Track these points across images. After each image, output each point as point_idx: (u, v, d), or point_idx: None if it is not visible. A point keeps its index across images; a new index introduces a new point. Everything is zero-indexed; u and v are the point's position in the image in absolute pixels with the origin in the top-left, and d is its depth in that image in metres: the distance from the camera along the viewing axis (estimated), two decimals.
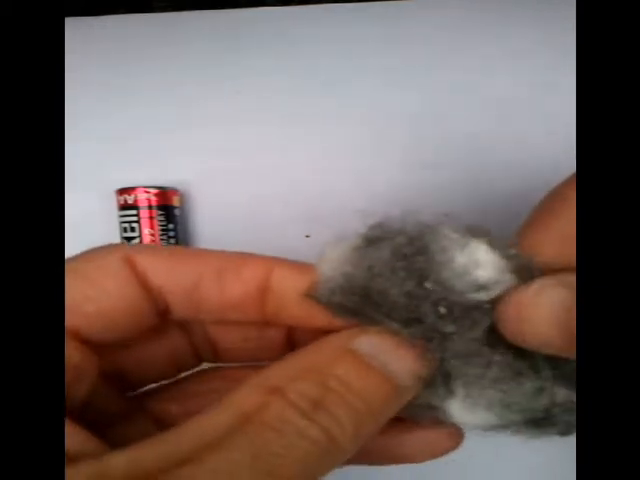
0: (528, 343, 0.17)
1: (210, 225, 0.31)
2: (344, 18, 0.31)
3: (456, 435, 0.21)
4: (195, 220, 0.31)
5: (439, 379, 0.18)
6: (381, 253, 0.18)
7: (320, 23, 0.31)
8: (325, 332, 0.19)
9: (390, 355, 0.17)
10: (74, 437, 0.15)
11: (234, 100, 0.31)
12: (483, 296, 0.17)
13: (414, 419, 0.19)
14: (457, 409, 0.18)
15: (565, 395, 0.18)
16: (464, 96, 0.30)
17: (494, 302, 0.17)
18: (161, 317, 0.19)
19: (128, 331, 0.19)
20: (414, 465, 0.27)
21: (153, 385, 0.22)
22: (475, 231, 0.18)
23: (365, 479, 0.30)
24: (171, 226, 0.29)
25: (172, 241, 0.29)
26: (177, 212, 0.30)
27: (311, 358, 0.17)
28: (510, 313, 0.17)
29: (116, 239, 0.29)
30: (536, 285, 0.17)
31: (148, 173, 0.31)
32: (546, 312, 0.16)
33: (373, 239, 0.18)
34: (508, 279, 0.17)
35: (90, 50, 0.31)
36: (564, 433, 0.19)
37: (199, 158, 0.31)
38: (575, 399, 0.17)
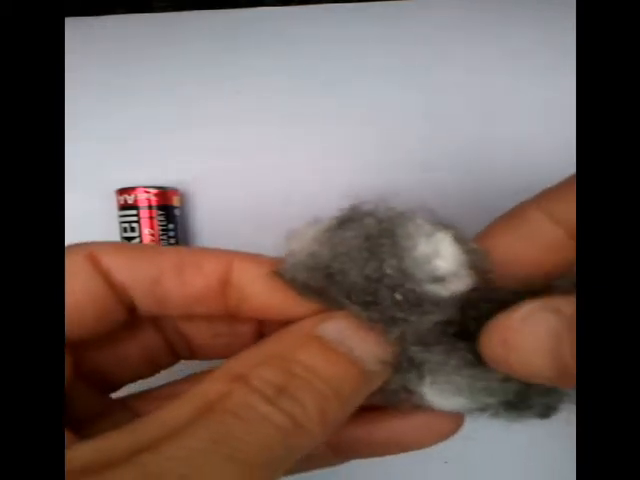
0: (515, 373, 0.16)
1: (210, 225, 0.31)
2: (344, 18, 0.31)
3: (456, 416, 0.21)
4: (195, 220, 0.31)
5: (406, 364, 0.18)
6: (347, 233, 0.18)
7: (320, 23, 0.31)
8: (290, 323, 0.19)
9: (356, 340, 0.17)
10: None
11: (234, 100, 0.31)
12: (439, 289, 0.18)
13: (393, 405, 0.19)
14: (429, 394, 0.19)
15: None
16: (464, 96, 0.30)
17: (450, 298, 0.18)
18: (128, 313, 0.19)
19: (96, 327, 0.19)
20: (414, 466, 0.27)
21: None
22: (442, 224, 0.18)
23: (367, 478, 0.30)
24: (171, 226, 0.29)
25: (172, 241, 0.29)
26: (177, 212, 0.30)
27: (275, 346, 0.17)
28: (495, 341, 0.16)
29: (116, 239, 0.30)
30: (522, 311, 0.16)
31: (148, 173, 0.31)
32: (534, 340, 0.15)
33: (343, 220, 0.19)
34: (465, 274, 0.18)
35: (90, 50, 0.31)
36: (543, 415, 0.20)
37: (199, 158, 0.31)
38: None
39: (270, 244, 0.30)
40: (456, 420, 0.21)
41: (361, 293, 0.18)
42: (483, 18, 0.31)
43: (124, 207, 0.29)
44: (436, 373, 0.18)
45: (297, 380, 0.16)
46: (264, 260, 0.19)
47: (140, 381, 0.22)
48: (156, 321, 0.21)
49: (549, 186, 0.20)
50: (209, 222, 0.31)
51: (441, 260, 0.18)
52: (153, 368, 0.22)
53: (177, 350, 0.22)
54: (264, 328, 0.21)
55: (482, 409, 0.19)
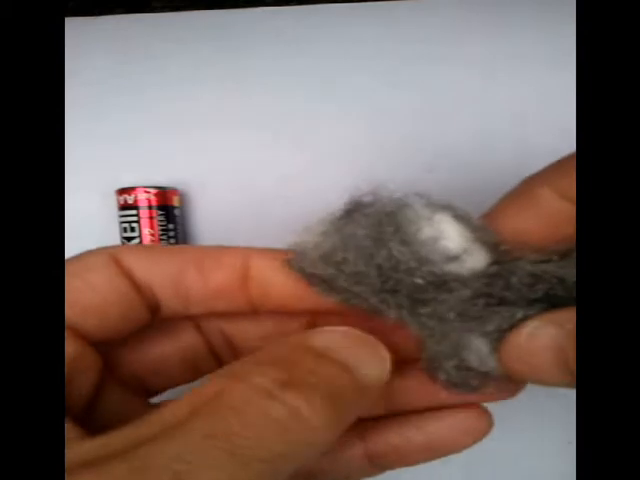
0: (530, 380, 0.18)
1: (210, 225, 0.31)
2: (344, 18, 0.31)
3: (485, 415, 0.21)
4: (195, 220, 0.31)
5: (458, 342, 0.19)
6: (351, 225, 0.19)
7: (320, 23, 0.31)
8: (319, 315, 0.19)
9: (351, 351, 0.17)
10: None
11: (234, 100, 0.31)
12: (457, 267, 0.18)
13: (459, 388, 0.20)
14: (490, 361, 0.19)
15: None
16: (464, 96, 0.30)
17: (472, 274, 0.18)
18: (152, 312, 0.20)
19: (121, 327, 0.19)
20: (414, 466, 0.27)
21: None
22: (440, 205, 0.19)
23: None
24: (171, 226, 0.29)
25: (172, 241, 0.29)
26: (177, 212, 0.30)
27: (274, 352, 0.17)
28: (511, 359, 0.18)
29: (116, 239, 0.30)
30: (528, 329, 0.18)
31: (148, 173, 0.31)
32: (542, 355, 0.17)
33: (347, 212, 0.19)
34: (476, 249, 0.19)
35: (90, 50, 0.31)
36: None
37: (199, 158, 0.31)
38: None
39: (270, 244, 0.30)
40: (485, 418, 0.21)
41: (375, 281, 0.18)
42: (483, 18, 0.31)
43: (124, 207, 0.29)
44: (487, 341, 0.19)
45: (301, 374, 0.16)
46: (281, 253, 0.20)
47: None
48: (198, 323, 0.21)
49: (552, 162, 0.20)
50: (209, 222, 0.31)
51: (447, 240, 0.18)
52: (194, 373, 0.22)
53: (220, 354, 0.22)
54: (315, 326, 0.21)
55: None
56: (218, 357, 0.22)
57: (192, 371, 0.22)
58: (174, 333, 0.21)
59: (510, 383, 0.20)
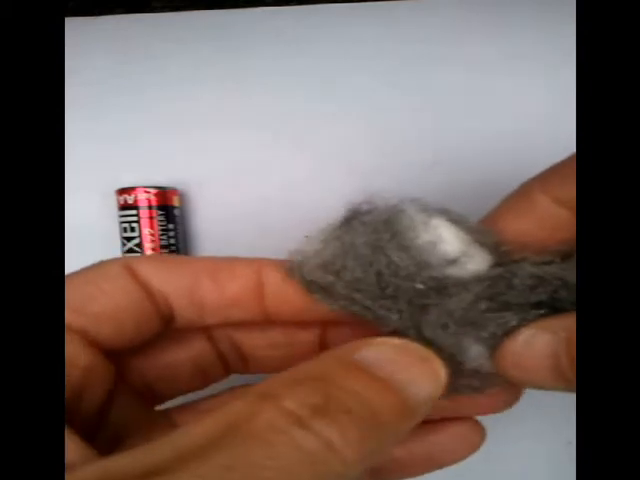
0: (526, 385, 0.19)
1: (210, 225, 0.31)
2: (344, 18, 0.31)
3: (479, 426, 0.21)
4: (195, 220, 0.31)
5: (462, 346, 0.19)
6: (351, 233, 0.19)
7: (320, 23, 0.31)
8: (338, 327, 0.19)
9: (399, 367, 0.16)
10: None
11: (234, 100, 0.31)
12: (458, 270, 0.18)
13: (465, 392, 0.20)
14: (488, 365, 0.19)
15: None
16: (464, 96, 0.30)
17: (473, 277, 0.18)
18: (166, 322, 0.20)
19: (135, 336, 0.19)
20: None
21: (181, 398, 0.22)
22: (436, 210, 0.19)
23: None
24: (171, 226, 0.29)
25: (172, 241, 0.29)
26: (177, 212, 0.30)
27: (312, 368, 0.16)
28: (506, 362, 0.18)
29: (116, 239, 0.30)
30: (523, 335, 0.18)
31: (148, 173, 0.31)
32: (538, 361, 0.17)
33: (346, 221, 0.19)
34: (475, 251, 0.19)
35: (90, 50, 0.31)
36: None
37: (199, 158, 0.31)
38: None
39: (270, 244, 0.30)
40: (478, 431, 0.22)
41: (376, 289, 0.18)
42: (483, 18, 0.31)
43: (124, 207, 0.29)
44: (484, 346, 0.19)
45: (335, 402, 0.15)
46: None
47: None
48: (207, 331, 0.21)
49: (550, 166, 0.20)
50: (209, 222, 0.31)
51: (445, 244, 0.18)
52: (203, 380, 0.22)
53: (229, 362, 0.22)
54: (326, 339, 0.21)
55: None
56: (227, 364, 0.22)
57: (201, 378, 0.22)
58: (185, 341, 0.21)
59: (509, 386, 0.20)
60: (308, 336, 0.21)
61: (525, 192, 0.20)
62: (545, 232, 0.20)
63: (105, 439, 0.18)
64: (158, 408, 0.21)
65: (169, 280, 0.19)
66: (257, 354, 0.21)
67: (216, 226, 0.31)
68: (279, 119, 0.31)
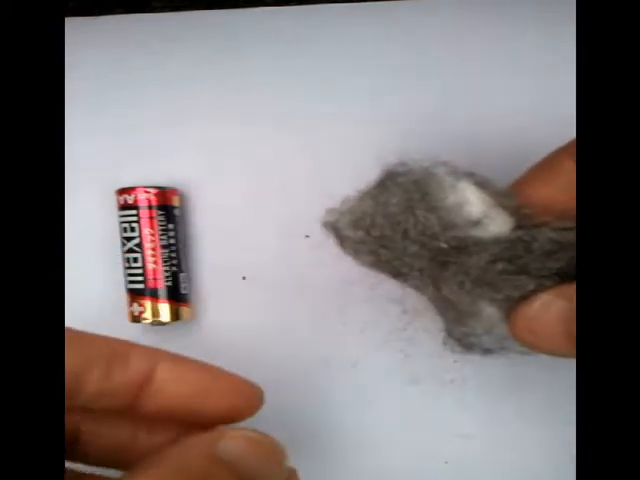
0: (539, 350, 0.19)
1: (210, 225, 0.31)
2: (344, 18, 0.31)
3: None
4: (195, 220, 0.31)
5: (474, 306, 0.20)
6: (385, 194, 0.20)
7: (320, 23, 0.31)
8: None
9: (254, 460, 0.17)
10: None
11: (234, 100, 0.31)
12: (480, 231, 0.19)
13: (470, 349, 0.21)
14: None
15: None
16: (464, 97, 0.30)
17: (493, 238, 0.19)
18: None
19: None
20: (414, 466, 0.27)
21: None
22: (464, 173, 0.20)
23: (368, 478, 0.30)
24: (171, 226, 0.29)
25: (172, 241, 0.29)
26: (177, 212, 0.30)
27: (179, 461, 0.17)
28: (520, 326, 0.19)
29: (116, 239, 0.30)
30: (539, 301, 0.18)
31: (148, 173, 0.31)
32: (552, 326, 0.18)
33: (381, 182, 0.21)
34: (498, 214, 0.20)
35: (90, 50, 0.31)
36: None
37: (199, 158, 0.31)
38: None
39: (270, 243, 0.30)
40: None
41: (401, 247, 0.20)
42: (484, 18, 0.31)
43: (124, 207, 0.29)
44: (498, 309, 0.19)
45: None
46: (189, 363, 0.20)
47: None
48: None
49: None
50: (209, 222, 0.31)
51: (470, 206, 0.19)
52: None
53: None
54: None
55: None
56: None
57: None
58: None
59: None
60: (164, 436, 0.21)
61: (554, 158, 0.21)
62: (571, 197, 0.19)
63: None
64: None
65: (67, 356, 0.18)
66: (95, 442, 0.21)
67: (216, 226, 0.31)
68: (279, 119, 0.31)
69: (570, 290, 0.18)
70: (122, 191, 0.29)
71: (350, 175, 0.30)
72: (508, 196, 0.20)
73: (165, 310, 0.29)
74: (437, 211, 0.19)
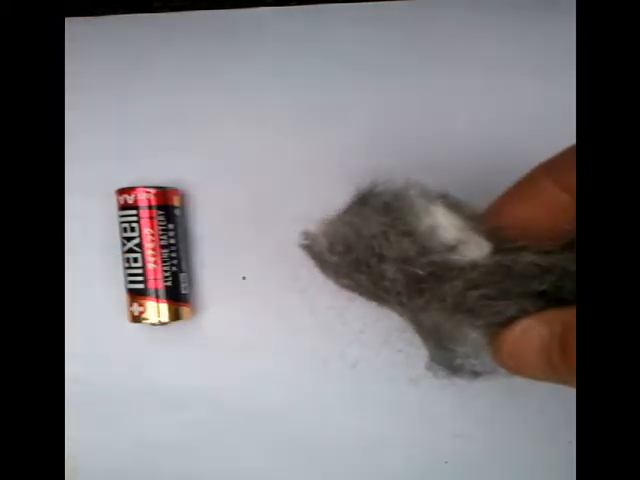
0: (521, 375, 0.19)
1: (210, 225, 0.31)
2: (344, 18, 0.31)
3: None
4: (195, 220, 0.31)
5: (451, 334, 0.20)
6: (357, 216, 0.20)
7: (320, 23, 0.31)
8: None
9: None
10: None
11: (234, 100, 0.31)
12: (456, 256, 0.19)
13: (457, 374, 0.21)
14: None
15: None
16: (464, 97, 0.30)
17: (470, 263, 0.19)
18: None
19: None
20: (414, 466, 0.27)
21: None
22: (436, 196, 0.20)
23: (368, 478, 0.30)
24: (171, 226, 0.29)
25: (172, 241, 0.29)
26: (177, 212, 0.30)
27: None
28: (502, 351, 0.19)
29: (116, 239, 0.30)
30: (520, 326, 0.19)
31: (148, 173, 0.31)
32: (532, 353, 0.18)
33: (353, 204, 0.20)
34: (472, 238, 0.19)
35: (90, 50, 0.31)
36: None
37: (199, 158, 0.31)
38: None
39: (270, 243, 0.30)
40: None
41: (377, 271, 0.19)
42: (484, 18, 0.31)
43: (124, 207, 0.29)
44: (479, 334, 0.19)
45: None
46: None
47: None
48: None
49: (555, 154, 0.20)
50: (209, 222, 0.31)
51: (443, 230, 0.19)
52: None
53: None
54: None
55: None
56: None
57: None
58: None
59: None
60: None
61: (531, 178, 0.21)
62: (550, 218, 0.20)
63: None
64: None
65: None
66: None
67: (216, 226, 0.31)
68: (279, 119, 0.31)
69: (551, 315, 0.18)
70: (122, 191, 0.29)
71: (350, 175, 0.30)
72: (482, 219, 0.20)
73: (165, 310, 0.29)
74: (410, 235, 0.19)
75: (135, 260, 0.29)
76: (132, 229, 0.29)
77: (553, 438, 0.29)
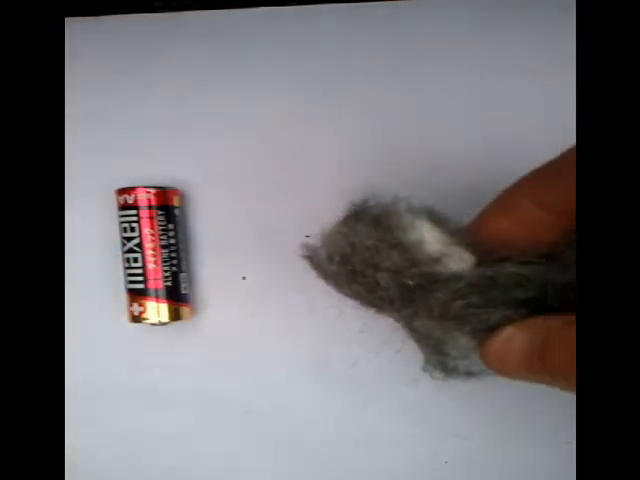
0: (508, 377, 0.21)
1: (210, 225, 0.31)
2: (344, 18, 0.31)
3: None
4: (195, 220, 0.31)
5: (438, 339, 0.21)
6: (350, 230, 0.21)
7: (320, 23, 0.31)
8: None
9: None
10: None
11: (234, 100, 0.31)
12: (441, 268, 0.20)
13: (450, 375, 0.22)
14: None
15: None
16: (464, 97, 0.30)
17: (455, 275, 0.20)
18: None
19: None
20: (414, 466, 0.27)
21: None
22: (421, 210, 0.21)
23: (368, 477, 0.30)
24: (171, 226, 0.29)
25: (172, 241, 0.29)
26: (177, 212, 0.30)
27: None
28: (491, 358, 0.20)
29: (116, 239, 0.30)
30: (504, 333, 0.20)
31: (148, 173, 0.31)
32: (515, 358, 0.19)
33: (346, 218, 0.21)
34: (456, 251, 0.20)
35: (90, 50, 0.31)
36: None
37: (199, 158, 0.31)
38: None
39: (270, 244, 0.30)
40: None
41: (372, 281, 0.20)
42: (484, 19, 0.31)
43: (124, 207, 0.29)
44: (468, 339, 0.20)
45: None
46: None
47: None
48: None
49: (531, 170, 0.21)
50: (209, 222, 0.31)
51: (428, 244, 0.20)
52: None
53: None
54: None
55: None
56: None
57: None
58: None
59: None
60: None
61: (508, 195, 0.22)
62: (527, 232, 0.21)
63: None
64: None
65: None
66: None
67: (216, 226, 0.31)
68: (279, 119, 0.31)
69: (533, 323, 0.19)
70: (122, 191, 0.29)
71: (350, 175, 0.30)
72: (464, 234, 0.21)
73: (165, 310, 0.29)
74: (399, 248, 0.20)
75: (135, 260, 0.29)
76: (132, 229, 0.29)
77: (553, 438, 0.29)
